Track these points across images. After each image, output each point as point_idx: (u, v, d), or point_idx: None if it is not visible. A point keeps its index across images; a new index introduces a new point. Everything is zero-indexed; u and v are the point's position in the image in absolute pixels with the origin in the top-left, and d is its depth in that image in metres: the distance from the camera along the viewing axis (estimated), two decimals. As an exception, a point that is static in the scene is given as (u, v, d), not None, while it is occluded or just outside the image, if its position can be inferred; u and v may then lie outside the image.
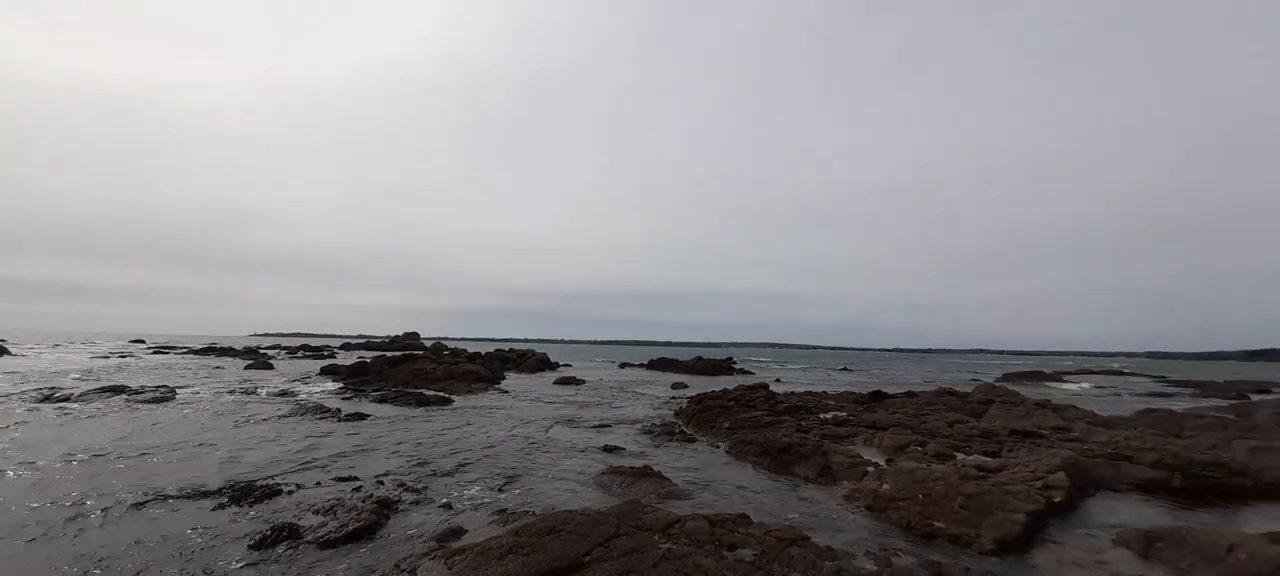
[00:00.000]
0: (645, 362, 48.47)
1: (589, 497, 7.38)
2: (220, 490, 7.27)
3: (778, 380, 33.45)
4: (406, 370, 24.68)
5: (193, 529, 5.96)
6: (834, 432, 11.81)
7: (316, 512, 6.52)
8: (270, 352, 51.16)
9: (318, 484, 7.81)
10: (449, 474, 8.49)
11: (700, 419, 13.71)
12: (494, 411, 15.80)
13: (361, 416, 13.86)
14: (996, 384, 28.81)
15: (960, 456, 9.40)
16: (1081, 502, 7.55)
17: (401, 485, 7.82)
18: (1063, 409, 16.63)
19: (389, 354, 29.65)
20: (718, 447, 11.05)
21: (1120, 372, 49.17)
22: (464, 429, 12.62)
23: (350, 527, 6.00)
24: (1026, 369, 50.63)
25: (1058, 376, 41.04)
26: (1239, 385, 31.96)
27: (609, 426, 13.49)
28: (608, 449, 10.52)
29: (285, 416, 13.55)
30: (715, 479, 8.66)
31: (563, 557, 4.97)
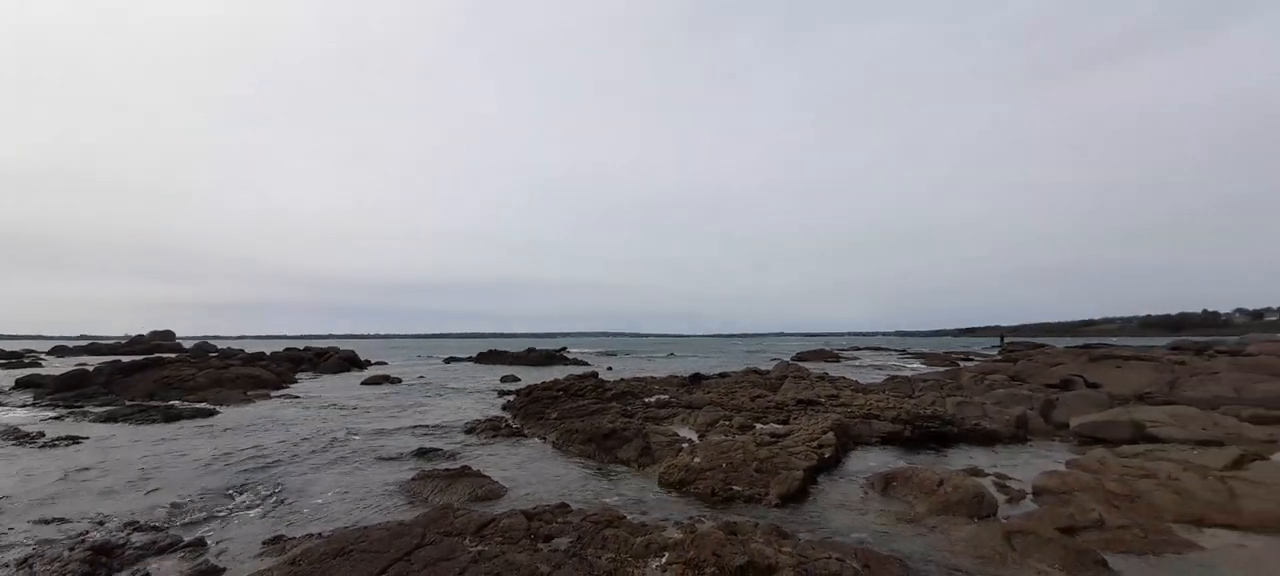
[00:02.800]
0: (473, 356, 46.08)
1: (393, 509, 6.63)
2: None
3: (609, 368, 34.47)
4: (150, 378, 19.73)
5: None
6: (656, 415, 12.49)
7: (4, 568, 4.78)
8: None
9: (7, 531, 5.75)
10: (204, 503, 6.88)
11: (528, 411, 13.38)
12: (276, 422, 13.30)
13: (77, 440, 10.61)
14: (790, 362, 33.55)
15: (758, 426, 10.62)
16: (844, 456, 9.08)
17: (132, 524, 6.14)
18: (836, 380, 20.01)
19: (126, 359, 23.32)
20: (545, 440, 10.87)
21: (879, 349, 62.16)
22: (232, 445, 10.39)
23: (46, 590, 4.49)
24: (815, 348, 60.21)
25: (836, 354, 49.57)
26: (952, 355, 42.09)
27: (425, 428, 12.36)
28: (421, 453, 9.60)
29: (-60, 452, 9.75)
30: (539, 472, 8.48)
31: (351, 581, 4.33)
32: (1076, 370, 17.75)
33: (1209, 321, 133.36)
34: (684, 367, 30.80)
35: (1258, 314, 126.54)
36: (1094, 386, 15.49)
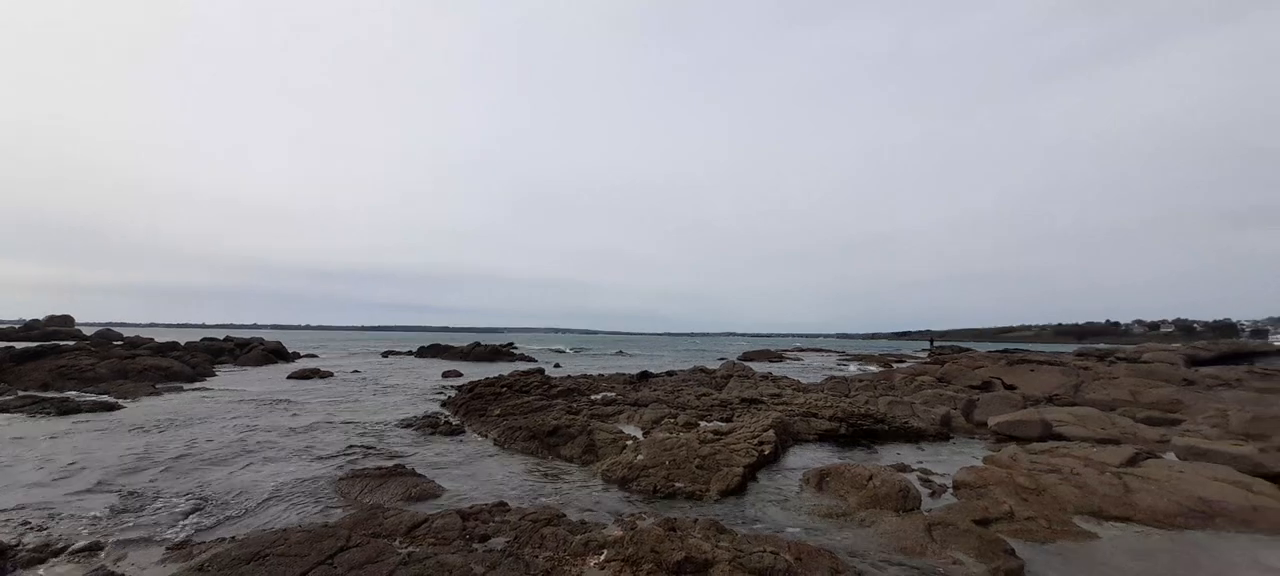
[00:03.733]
0: (414, 350, 44.39)
1: (318, 511, 6.26)
2: None
3: (557, 365, 34.08)
4: (45, 367, 17.82)
5: None
6: (602, 412, 12.43)
7: None
8: None
9: None
10: (102, 503, 6.26)
11: (470, 408, 13.00)
12: (189, 417, 12.22)
13: (-51, 438, 9.43)
14: (737, 362, 34.28)
15: (703, 424, 10.77)
16: (784, 453, 9.35)
17: (25, 524, 5.55)
18: (779, 380, 20.62)
19: (18, 345, 20.93)
20: (486, 437, 10.58)
21: (821, 350, 64.50)
22: (137, 442, 9.51)
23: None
24: (760, 348, 61.86)
25: (781, 354, 51.09)
26: (887, 357, 44.25)
27: (358, 425, 11.72)
28: (351, 451, 9.12)
29: None
30: (479, 470, 8.25)
31: (265, 588, 4.05)
32: (996, 373, 19.08)
33: (1111, 331, 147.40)
34: (633, 366, 30.88)
35: (1154, 325, 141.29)
36: (1011, 388, 16.72)
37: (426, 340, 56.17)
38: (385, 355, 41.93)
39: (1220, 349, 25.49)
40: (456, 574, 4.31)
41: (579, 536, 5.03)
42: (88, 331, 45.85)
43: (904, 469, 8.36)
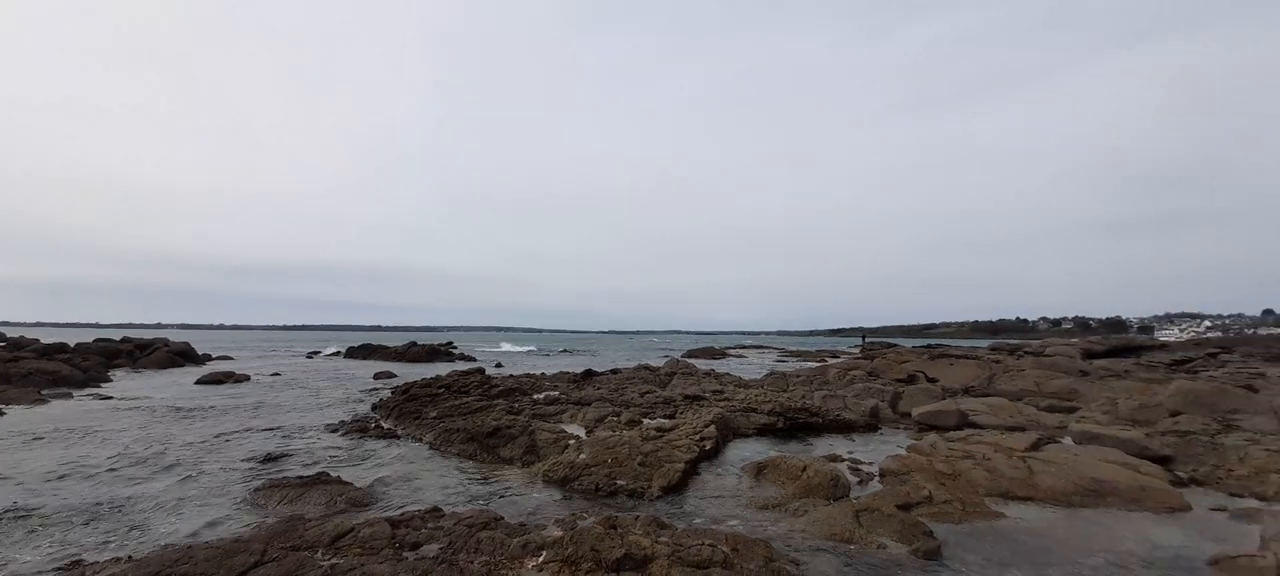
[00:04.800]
0: (343, 350, 42.04)
1: (230, 524, 5.78)
2: None
3: (499, 364, 33.28)
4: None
5: None
6: (544, 412, 12.23)
7: None
8: None
9: None
10: (-34, 529, 5.50)
11: (403, 411, 12.42)
12: (82, 426, 10.96)
13: None
14: (680, 358, 34.76)
15: (646, 421, 10.83)
16: (724, 447, 9.55)
17: None
18: (721, 376, 21.08)
19: None
20: (421, 441, 10.14)
21: (762, 347, 66.63)
22: (21, 454, 8.44)
23: None
24: (703, 345, 63.04)
25: (723, 351, 52.31)
26: (823, 353, 46.30)
27: (278, 430, 10.93)
28: (270, 459, 8.49)
29: None
30: (412, 475, 7.89)
31: (164, 612, 3.68)
32: (920, 366, 20.37)
33: (1020, 327, 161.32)
34: (578, 364, 30.63)
35: (1056, 322, 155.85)
36: (933, 381, 17.90)
37: (356, 340, 53.30)
38: (309, 356, 39.48)
39: (1111, 343, 28.28)
40: (384, 584, 4.10)
41: (517, 539, 4.91)
42: (-48, 333, 40.25)
43: (836, 459, 8.76)
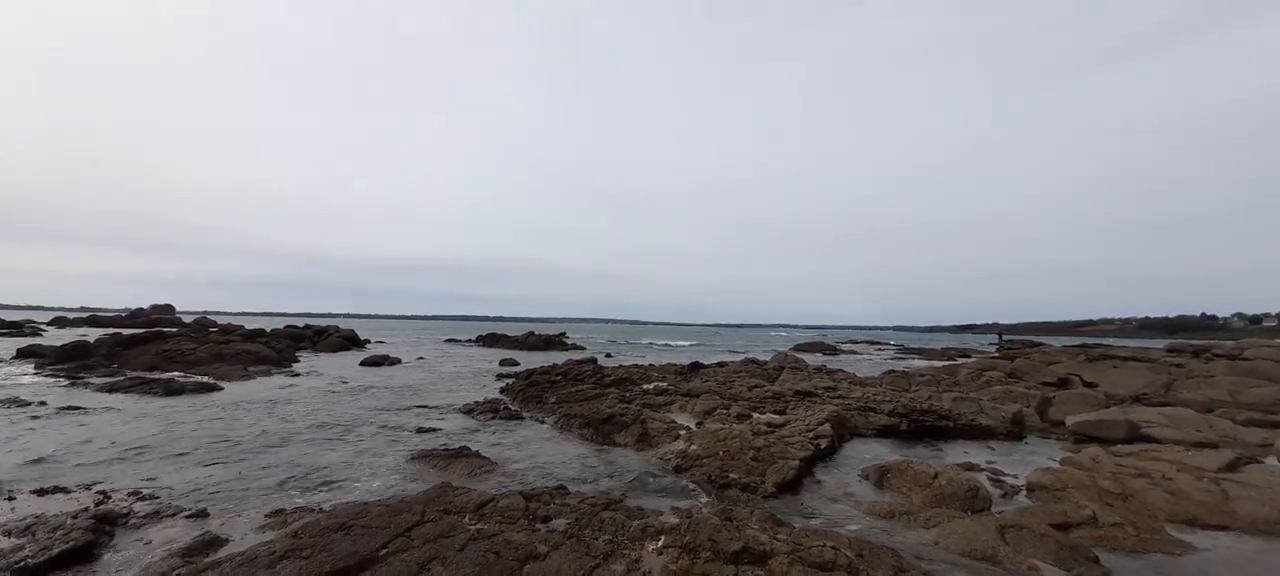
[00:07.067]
0: (473, 339, 46.21)
1: (393, 487, 6.69)
2: None
3: (608, 354, 34.58)
4: (151, 352, 19.79)
5: None
6: (654, 402, 12.55)
7: (7, 535, 4.84)
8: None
9: (9, 498, 5.81)
10: (207, 475, 6.96)
11: (527, 394, 13.45)
12: (278, 398, 13.35)
13: (79, 409, 10.69)
14: (788, 353, 33.61)
15: (756, 416, 10.67)
16: (840, 447, 9.14)
17: (135, 493, 6.20)
18: (833, 372, 20.07)
19: (126, 331, 23.34)
20: (543, 423, 10.94)
21: (877, 343, 62.30)
22: (234, 420, 10.48)
23: (56, 551, 4.55)
24: (812, 340, 60.33)
25: (835, 347, 49.67)
26: (950, 351, 42.20)
27: (426, 408, 12.44)
28: (421, 432, 9.68)
29: (-57, 418, 9.82)
30: (538, 454, 8.54)
31: (353, 554, 4.38)
32: (1073, 369, 17.78)
33: (1207, 325, 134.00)
34: (683, 357, 30.87)
35: (1256, 319, 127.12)
36: (1091, 386, 15.54)
37: (484, 329, 58.36)
38: (446, 342, 43.90)
39: (1341, 346, 22.58)
40: (522, 551, 4.51)
41: (637, 521, 5.14)
42: (187, 319, 50.48)
43: (972, 468, 7.99)
